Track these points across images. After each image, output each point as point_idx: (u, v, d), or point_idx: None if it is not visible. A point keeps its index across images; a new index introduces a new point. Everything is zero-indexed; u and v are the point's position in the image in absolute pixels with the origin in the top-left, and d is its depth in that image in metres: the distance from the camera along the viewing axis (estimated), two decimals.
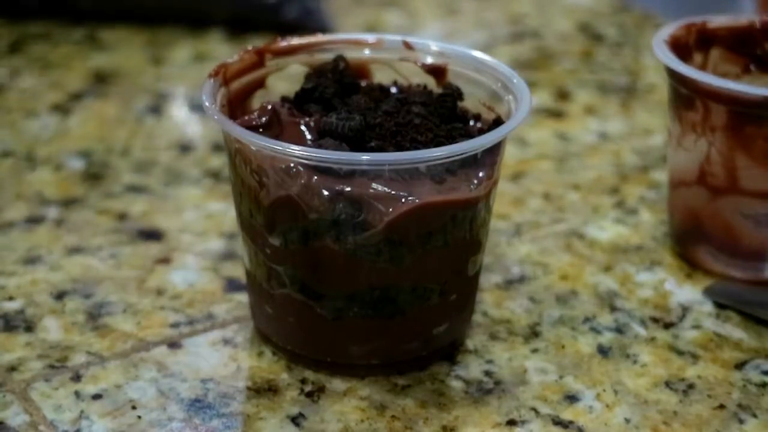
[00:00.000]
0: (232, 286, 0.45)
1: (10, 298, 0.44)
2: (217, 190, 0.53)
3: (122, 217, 0.50)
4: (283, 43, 0.44)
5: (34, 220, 0.50)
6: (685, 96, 0.45)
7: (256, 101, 0.43)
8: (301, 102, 0.42)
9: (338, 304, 0.39)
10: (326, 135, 0.39)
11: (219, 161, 0.55)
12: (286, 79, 0.44)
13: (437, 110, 0.41)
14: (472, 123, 0.42)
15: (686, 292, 0.46)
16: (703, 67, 0.48)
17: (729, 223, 0.46)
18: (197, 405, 0.39)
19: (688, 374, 0.41)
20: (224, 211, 0.50)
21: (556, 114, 0.62)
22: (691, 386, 0.41)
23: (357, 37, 0.45)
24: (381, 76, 0.44)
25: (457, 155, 0.37)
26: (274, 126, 0.40)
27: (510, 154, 0.56)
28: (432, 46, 0.44)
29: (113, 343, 0.42)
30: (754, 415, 0.39)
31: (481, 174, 0.38)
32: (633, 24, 0.75)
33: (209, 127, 0.58)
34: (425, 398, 0.39)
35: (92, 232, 0.49)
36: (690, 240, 0.48)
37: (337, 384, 0.40)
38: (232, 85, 0.42)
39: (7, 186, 0.52)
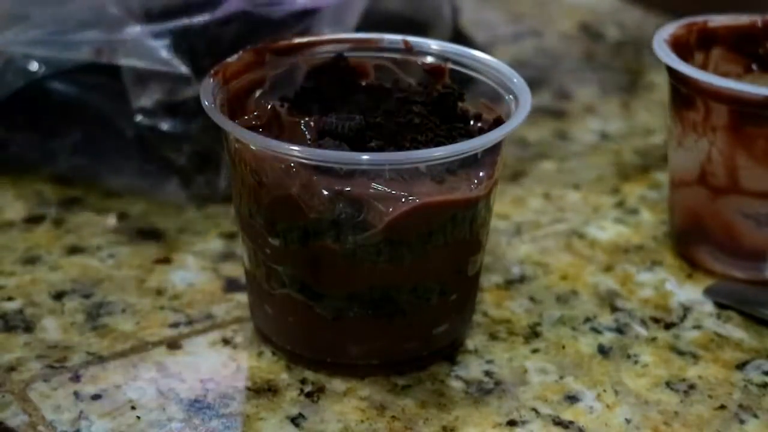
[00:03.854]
0: (231, 286, 0.45)
1: (9, 298, 0.44)
2: None
3: (122, 216, 0.50)
4: (283, 42, 0.44)
5: (33, 220, 0.50)
6: (686, 96, 0.45)
7: (256, 101, 0.42)
8: (300, 102, 0.42)
9: (338, 304, 0.39)
10: (326, 135, 0.38)
11: None
12: (286, 79, 0.44)
13: (437, 110, 0.41)
14: (472, 123, 0.42)
15: (687, 292, 0.46)
16: (704, 67, 0.48)
17: (730, 223, 0.46)
18: (197, 405, 0.39)
19: (688, 374, 0.41)
20: (224, 211, 0.50)
21: (557, 113, 0.62)
22: (692, 386, 0.41)
23: (357, 36, 0.45)
24: (381, 76, 0.44)
25: (457, 155, 0.37)
26: (273, 126, 0.40)
27: (510, 154, 0.56)
28: (432, 46, 0.44)
29: (112, 344, 0.42)
30: (755, 416, 0.39)
31: (481, 174, 0.38)
32: (634, 23, 0.75)
33: None
34: (425, 398, 0.39)
35: (91, 232, 0.49)
36: (691, 240, 0.48)
37: (337, 384, 0.40)
38: (231, 85, 0.41)
39: (6, 186, 0.52)
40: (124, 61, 0.48)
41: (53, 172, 0.52)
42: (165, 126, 0.49)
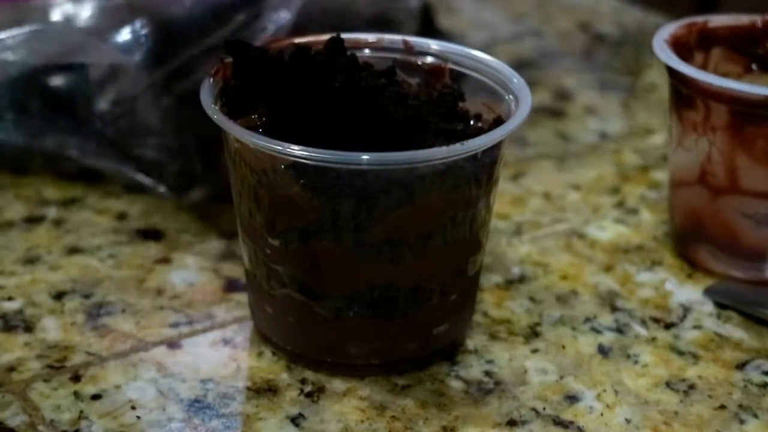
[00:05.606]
0: (232, 286, 0.45)
1: (10, 298, 0.44)
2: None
3: (121, 216, 0.50)
4: (281, 42, 0.43)
5: (33, 220, 0.50)
6: (686, 96, 0.45)
7: None
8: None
9: (338, 304, 0.39)
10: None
11: None
12: None
13: (437, 110, 0.41)
14: (472, 123, 0.42)
15: (687, 292, 0.46)
16: (704, 67, 0.48)
17: (730, 223, 0.46)
18: (197, 405, 0.39)
19: (688, 374, 0.41)
20: (224, 210, 0.50)
21: (557, 113, 0.62)
22: (691, 386, 0.41)
23: (357, 36, 0.45)
24: None
25: (457, 155, 0.37)
26: None
27: (510, 154, 0.56)
28: (432, 46, 0.44)
29: (112, 344, 0.42)
30: (755, 416, 0.39)
31: (481, 174, 0.38)
32: (633, 23, 0.75)
33: None
34: (425, 398, 0.39)
35: (91, 232, 0.49)
36: (691, 240, 0.48)
37: (337, 384, 0.40)
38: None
39: (6, 186, 0.52)
40: (74, 60, 0.49)
41: (53, 169, 0.52)
42: (124, 124, 0.49)
